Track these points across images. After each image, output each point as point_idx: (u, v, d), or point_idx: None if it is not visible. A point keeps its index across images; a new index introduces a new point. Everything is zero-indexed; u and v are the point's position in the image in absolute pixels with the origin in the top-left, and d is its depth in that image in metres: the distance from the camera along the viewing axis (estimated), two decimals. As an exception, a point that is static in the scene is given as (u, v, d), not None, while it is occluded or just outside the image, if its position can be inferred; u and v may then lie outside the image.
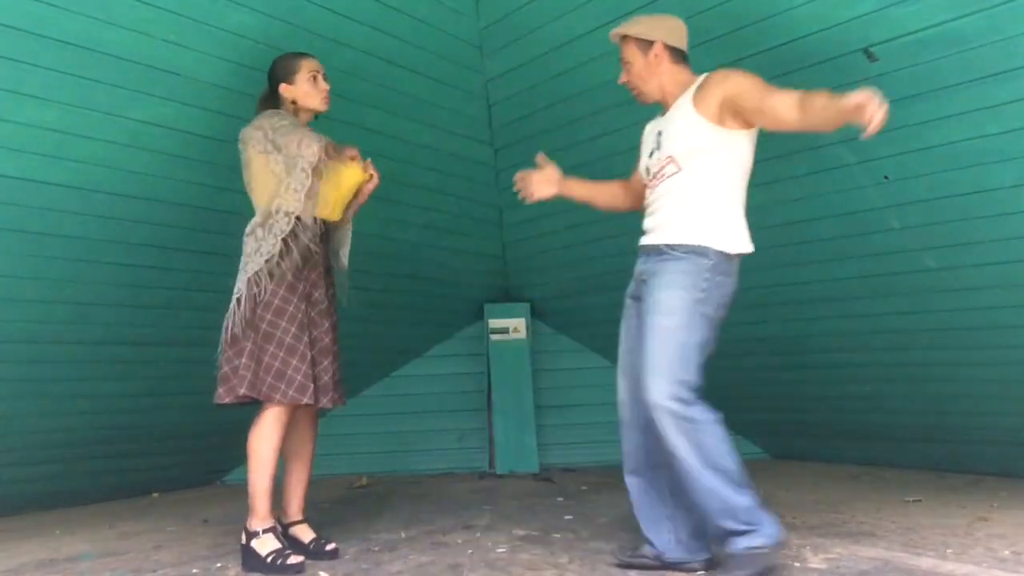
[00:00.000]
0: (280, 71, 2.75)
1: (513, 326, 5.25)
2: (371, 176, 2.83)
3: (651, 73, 2.45)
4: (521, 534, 3.04)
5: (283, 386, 2.56)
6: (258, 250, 2.61)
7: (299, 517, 2.81)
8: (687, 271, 2.28)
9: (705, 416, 2.20)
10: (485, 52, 3.62)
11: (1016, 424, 3.71)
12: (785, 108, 2.20)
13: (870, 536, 2.80)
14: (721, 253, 2.30)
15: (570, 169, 4.12)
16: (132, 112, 2.94)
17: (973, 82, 2.59)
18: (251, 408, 2.69)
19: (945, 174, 2.93)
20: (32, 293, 3.25)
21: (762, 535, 2.16)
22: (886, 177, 3.09)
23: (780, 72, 2.76)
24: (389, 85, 3.49)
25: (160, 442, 4.36)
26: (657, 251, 2.37)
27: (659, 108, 2.54)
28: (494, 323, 5.26)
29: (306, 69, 2.74)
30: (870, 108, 1.94)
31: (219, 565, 2.69)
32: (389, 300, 4.71)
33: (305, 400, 2.58)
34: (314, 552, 2.70)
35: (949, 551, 2.54)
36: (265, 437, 2.58)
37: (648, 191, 2.49)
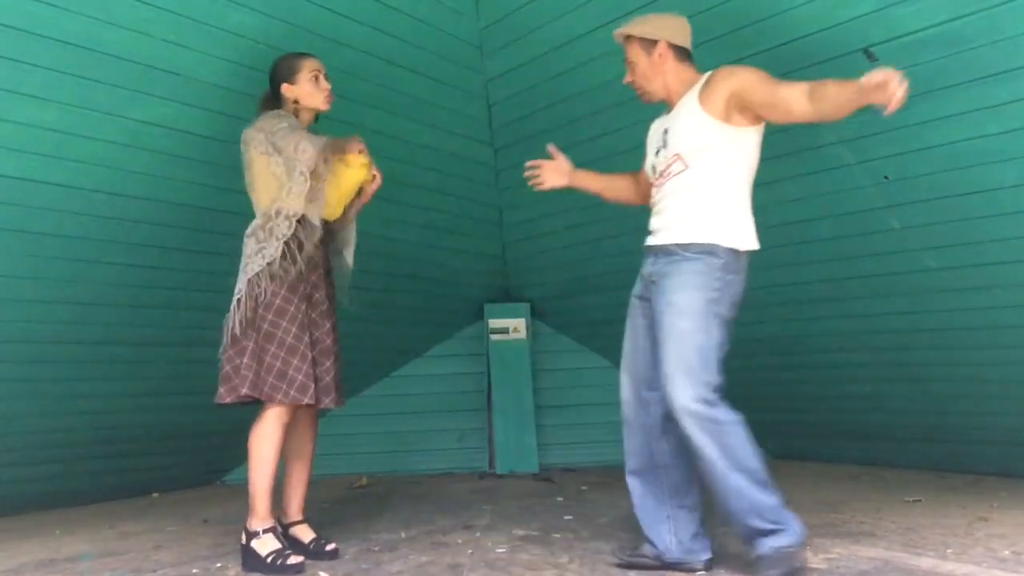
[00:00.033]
0: (282, 71, 2.75)
1: (513, 326, 5.25)
2: (374, 176, 2.83)
3: (655, 72, 2.45)
4: (521, 534, 3.04)
5: (284, 386, 2.56)
6: (259, 251, 2.61)
7: (299, 517, 2.81)
8: (699, 271, 2.28)
9: (729, 417, 2.21)
10: (485, 52, 3.62)
11: (1016, 424, 3.71)
12: (795, 100, 2.20)
13: (870, 536, 2.80)
14: (731, 251, 2.30)
15: (570, 169, 4.12)
16: (132, 112, 2.94)
17: (973, 82, 2.59)
18: (251, 408, 2.69)
19: (945, 174, 2.93)
20: (32, 293, 3.25)
21: (789, 534, 2.18)
22: (886, 177, 3.09)
23: (780, 72, 2.74)
24: (389, 85, 3.49)
25: (160, 442, 4.36)
26: (666, 252, 2.36)
27: (664, 107, 2.53)
28: (494, 323, 5.25)
29: (308, 69, 2.74)
30: (892, 85, 1.93)
31: (219, 565, 2.69)
32: (389, 300, 4.71)
33: (306, 400, 2.58)
34: (314, 552, 2.70)
35: (949, 551, 2.54)
36: (266, 437, 2.59)
37: (654, 190, 2.48)
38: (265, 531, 2.57)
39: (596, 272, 4.69)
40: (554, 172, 2.74)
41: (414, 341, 5.38)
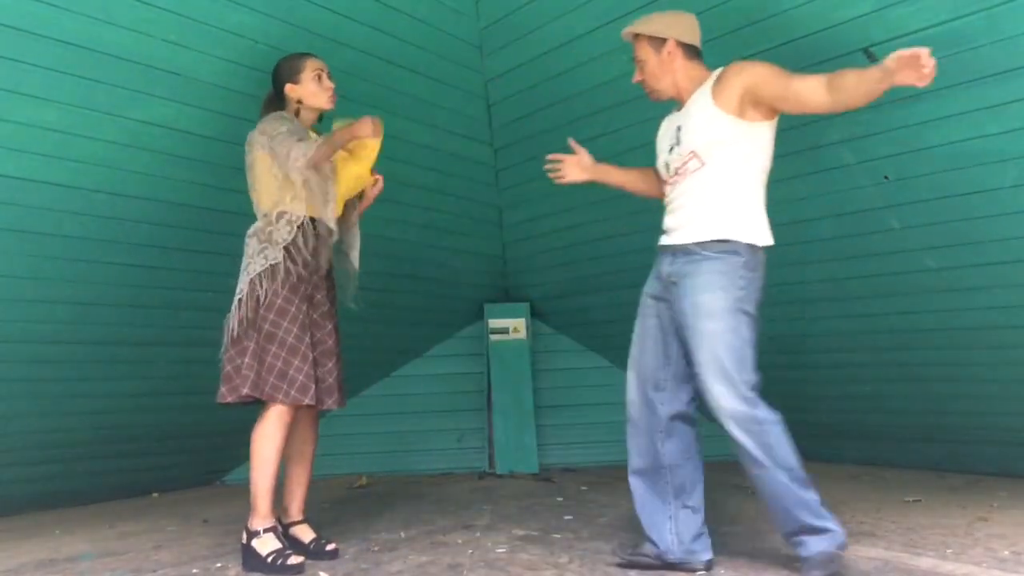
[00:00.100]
0: (285, 71, 2.76)
1: (513, 326, 5.25)
2: (376, 180, 2.86)
3: (664, 71, 2.44)
4: (521, 534, 3.04)
5: (285, 386, 2.57)
6: (261, 252, 2.62)
7: (299, 517, 2.81)
8: (723, 271, 2.27)
9: (769, 416, 2.21)
10: (485, 52, 3.62)
11: (1016, 424, 3.71)
12: (812, 91, 2.20)
13: (870, 536, 2.80)
14: (751, 247, 2.30)
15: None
16: (132, 112, 2.94)
17: (973, 82, 2.59)
18: (252, 408, 2.69)
19: (945, 174, 2.93)
20: (32, 293, 3.25)
21: (832, 536, 2.20)
22: (886, 177, 3.09)
23: (780, 72, 2.76)
24: (389, 85, 3.49)
25: (160, 442, 4.36)
26: (685, 251, 2.34)
27: (672, 105, 2.52)
28: (494, 323, 5.26)
29: (310, 68, 2.75)
30: (923, 59, 1.93)
31: (219, 565, 2.69)
32: (389, 300, 4.71)
33: (306, 401, 2.58)
34: (314, 552, 2.71)
35: (949, 551, 2.54)
36: (268, 436, 2.59)
37: (668, 188, 2.46)
38: (266, 531, 2.57)
39: (596, 272, 4.69)
40: (575, 167, 2.71)
41: (414, 341, 5.38)
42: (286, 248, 2.62)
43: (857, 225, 3.35)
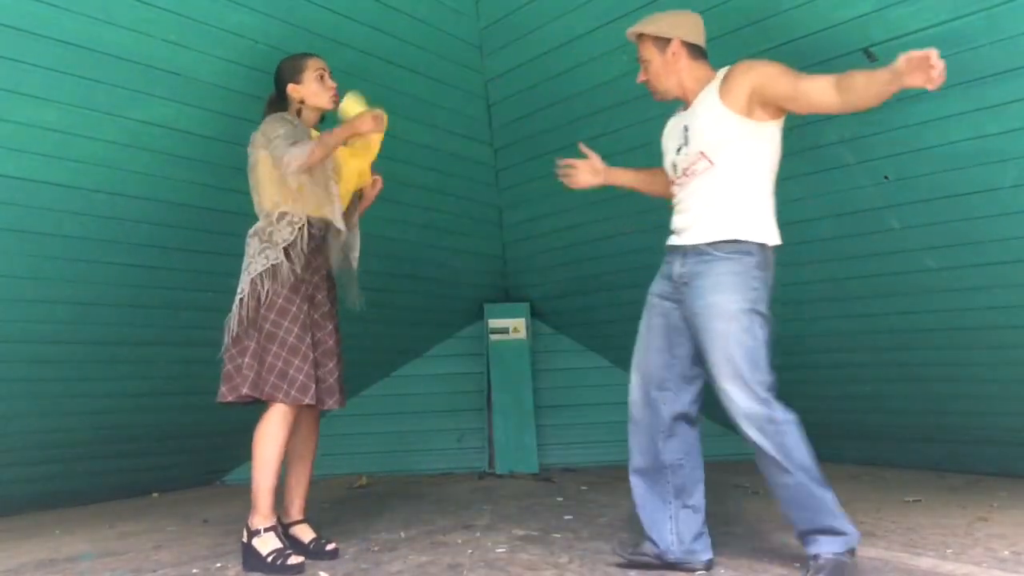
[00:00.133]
0: (287, 72, 2.76)
1: (513, 326, 5.25)
2: (374, 180, 2.87)
3: (669, 71, 2.42)
4: (521, 534, 3.04)
5: (285, 386, 2.57)
6: (262, 252, 2.62)
7: (299, 517, 2.81)
8: (736, 271, 2.26)
9: (785, 416, 2.22)
10: (485, 52, 3.62)
11: (1016, 424, 3.71)
12: (821, 92, 2.20)
13: (870, 536, 2.80)
14: (762, 247, 2.29)
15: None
16: (132, 112, 2.94)
17: (973, 82, 2.59)
18: (252, 408, 2.70)
19: (945, 174, 2.93)
20: (32, 293, 3.25)
21: (845, 539, 2.21)
22: (886, 177, 3.09)
23: (781, 72, 2.75)
24: (389, 85, 3.49)
25: (160, 442, 4.36)
26: (696, 251, 2.33)
27: (677, 104, 2.52)
28: (494, 323, 5.25)
29: (312, 68, 2.75)
30: (932, 60, 1.93)
31: (219, 565, 2.69)
32: (389, 300, 4.71)
33: (307, 400, 2.58)
34: (314, 552, 2.71)
35: (949, 551, 2.54)
36: (270, 435, 2.59)
37: (676, 188, 2.45)
38: (266, 530, 2.58)
39: (596, 272, 4.69)
40: (586, 171, 2.70)
41: (414, 341, 5.38)
42: (286, 248, 2.62)
43: (857, 225, 3.35)
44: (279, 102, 2.79)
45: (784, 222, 3.60)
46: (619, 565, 2.47)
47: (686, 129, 2.40)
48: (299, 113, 2.76)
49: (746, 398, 2.21)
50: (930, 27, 2.52)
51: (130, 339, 3.74)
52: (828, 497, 2.21)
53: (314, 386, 2.60)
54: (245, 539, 2.61)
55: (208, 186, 3.36)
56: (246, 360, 2.60)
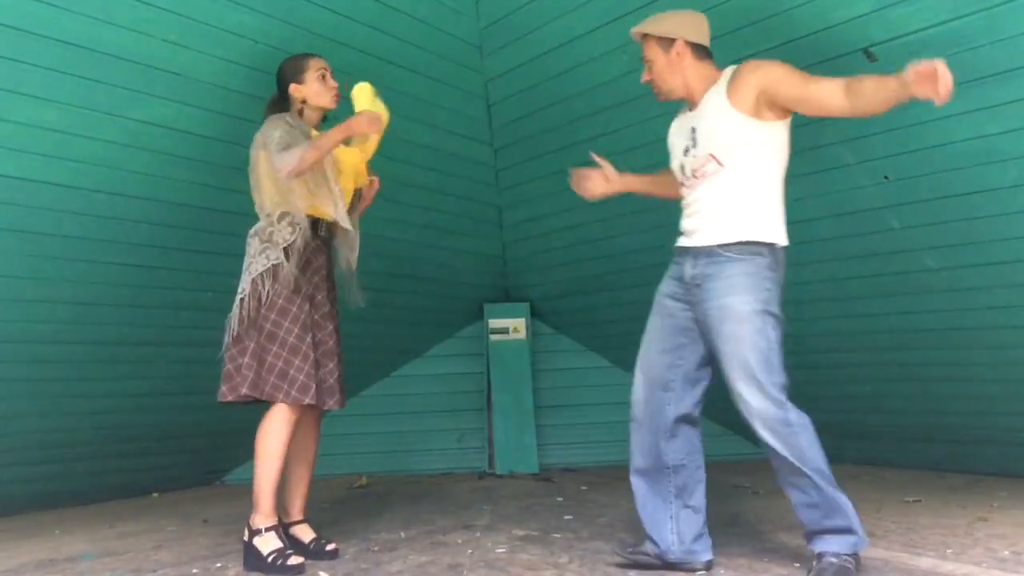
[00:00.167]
0: (289, 72, 2.76)
1: (513, 326, 5.25)
2: (371, 181, 2.86)
3: (674, 71, 2.40)
4: (521, 534, 3.04)
5: (285, 386, 2.57)
6: (263, 252, 2.62)
7: (300, 517, 2.82)
8: (748, 272, 2.26)
9: (799, 418, 2.22)
10: (485, 52, 3.62)
11: (1016, 424, 3.71)
12: (830, 95, 2.20)
13: (870, 536, 2.78)
14: (773, 247, 2.30)
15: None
16: (132, 112, 2.94)
17: (973, 82, 2.59)
18: (252, 408, 2.70)
19: (945, 174, 2.93)
20: (32, 293, 3.25)
21: (857, 543, 2.21)
22: (886, 177, 3.09)
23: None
24: (389, 85, 3.48)
25: (160, 442, 4.36)
26: (708, 253, 2.32)
27: (680, 105, 2.51)
28: (494, 323, 5.26)
29: (314, 68, 2.75)
30: (940, 72, 1.92)
31: (219, 565, 2.69)
32: (389, 300, 4.71)
33: (307, 400, 2.58)
34: (314, 552, 2.71)
35: (949, 551, 2.54)
36: (273, 434, 2.59)
37: (685, 190, 2.44)
38: (268, 529, 2.58)
39: (596, 272, 4.69)
40: (600, 180, 2.67)
41: (414, 341, 5.38)
42: (287, 249, 2.62)
43: (857, 225, 3.35)
44: (281, 102, 2.79)
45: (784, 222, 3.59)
46: (619, 565, 2.47)
47: (693, 131, 2.39)
48: (301, 113, 2.76)
49: (760, 399, 2.20)
50: (930, 27, 2.52)
51: (130, 339, 3.74)
52: (840, 499, 2.21)
53: (315, 386, 2.60)
54: (246, 538, 2.61)
55: (208, 186, 3.36)
56: (246, 360, 2.60)
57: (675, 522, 2.41)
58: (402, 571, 2.51)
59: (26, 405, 3.59)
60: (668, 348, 2.41)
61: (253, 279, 2.62)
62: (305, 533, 2.79)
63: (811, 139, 3.10)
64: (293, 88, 2.75)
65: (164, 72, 2.88)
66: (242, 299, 2.63)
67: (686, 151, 2.41)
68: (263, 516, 2.59)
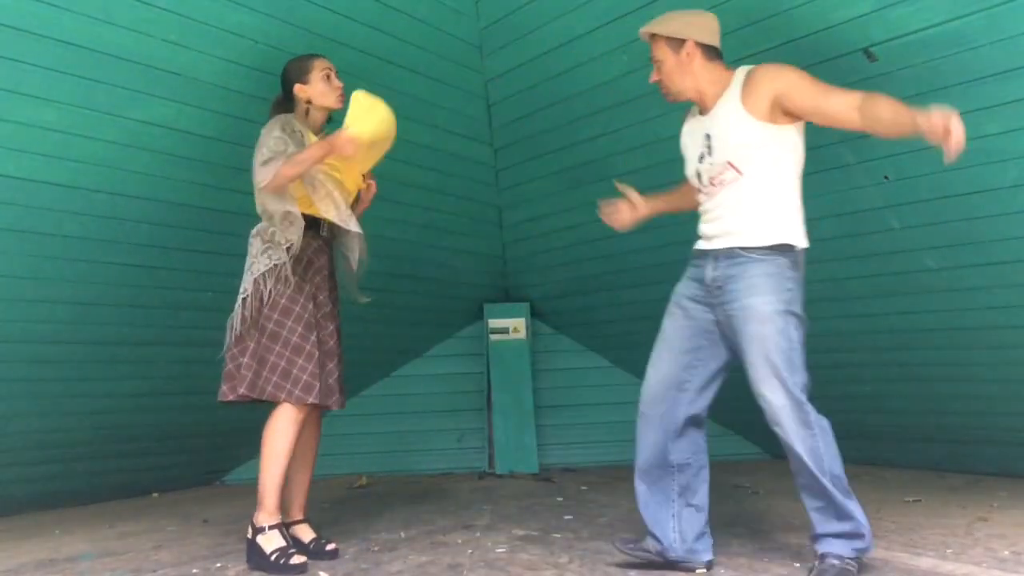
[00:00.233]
0: (294, 72, 2.76)
1: (513, 326, 5.25)
2: (369, 185, 2.86)
3: (684, 72, 2.37)
4: (521, 534, 3.04)
5: (289, 385, 2.57)
6: (265, 252, 2.63)
7: (300, 517, 2.82)
8: (771, 273, 2.25)
9: (819, 421, 2.22)
10: (485, 52, 3.62)
11: (1016, 424, 3.71)
12: (845, 114, 2.19)
13: (870, 536, 2.80)
14: (794, 248, 2.29)
15: (570, 169, 4.12)
16: (132, 112, 2.94)
17: (973, 82, 2.59)
18: (253, 408, 2.70)
19: (945, 174, 2.92)
20: (32, 293, 3.25)
21: (858, 544, 2.22)
22: (886, 177, 3.09)
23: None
24: (389, 85, 3.48)
25: (160, 442, 4.36)
26: (729, 254, 2.31)
27: (687, 105, 2.49)
28: (494, 323, 5.25)
29: (319, 68, 2.75)
30: (954, 126, 1.93)
31: (219, 565, 2.69)
32: (389, 300, 4.70)
33: (310, 400, 2.58)
34: (314, 552, 2.71)
35: (949, 551, 2.54)
36: (280, 433, 2.59)
37: (704, 197, 2.41)
38: (271, 527, 2.58)
39: (596, 272, 4.69)
40: (628, 210, 2.64)
41: (414, 341, 5.38)
42: (288, 249, 2.62)
43: (857, 225, 3.35)
44: (286, 102, 2.79)
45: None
46: (620, 564, 2.47)
47: (708, 137, 2.36)
48: (307, 113, 2.76)
49: (782, 397, 2.20)
50: (930, 27, 2.52)
51: (130, 339, 3.74)
52: (851, 505, 2.22)
53: (318, 385, 2.60)
54: (250, 535, 2.61)
55: (208, 186, 3.36)
56: (246, 360, 2.60)
57: (677, 520, 2.41)
58: (402, 571, 2.51)
59: (26, 405, 3.59)
60: (687, 349, 2.39)
61: (256, 279, 2.62)
62: (305, 533, 2.79)
63: (811, 139, 3.07)
64: (298, 88, 2.75)
65: (164, 72, 2.89)
66: (244, 299, 2.63)
67: (701, 158, 2.38)
68: (267, 514, 2.59)
